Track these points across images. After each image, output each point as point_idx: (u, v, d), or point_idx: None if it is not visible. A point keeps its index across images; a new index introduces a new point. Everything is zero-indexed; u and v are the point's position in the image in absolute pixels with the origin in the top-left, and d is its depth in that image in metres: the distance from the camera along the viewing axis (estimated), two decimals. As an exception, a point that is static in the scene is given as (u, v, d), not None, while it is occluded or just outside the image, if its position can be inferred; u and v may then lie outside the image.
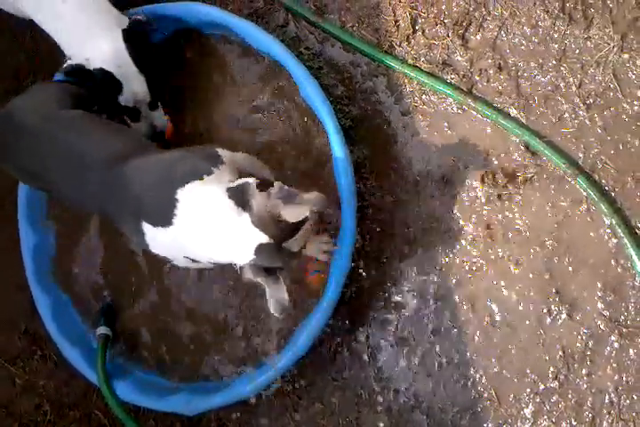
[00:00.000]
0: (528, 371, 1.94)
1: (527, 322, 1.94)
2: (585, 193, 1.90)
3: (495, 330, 1.98)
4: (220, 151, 1.89)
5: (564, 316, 1.91)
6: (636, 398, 1.80)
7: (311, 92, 2.12)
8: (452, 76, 2.11)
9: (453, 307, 2.03)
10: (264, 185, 1.74)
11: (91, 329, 2.45)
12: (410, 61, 2.17)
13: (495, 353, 1.98)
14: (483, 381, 1.98)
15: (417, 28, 2.17)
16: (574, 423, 1.84)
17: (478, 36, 2.10)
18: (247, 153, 2.05)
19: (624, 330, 1.83)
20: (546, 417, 1.87)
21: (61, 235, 2.54)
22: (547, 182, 1.97)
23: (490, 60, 2.07)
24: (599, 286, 1.88)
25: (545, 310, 1.93)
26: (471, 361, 1.99)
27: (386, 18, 2.20)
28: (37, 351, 2.63)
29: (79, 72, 1.99)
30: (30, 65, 2.66)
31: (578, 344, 1.88)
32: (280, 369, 2.06)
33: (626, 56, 1.90)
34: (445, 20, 2.13)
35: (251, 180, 1.76)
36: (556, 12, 2.00)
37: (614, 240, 1.87)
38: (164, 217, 1.78)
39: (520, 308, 1.95)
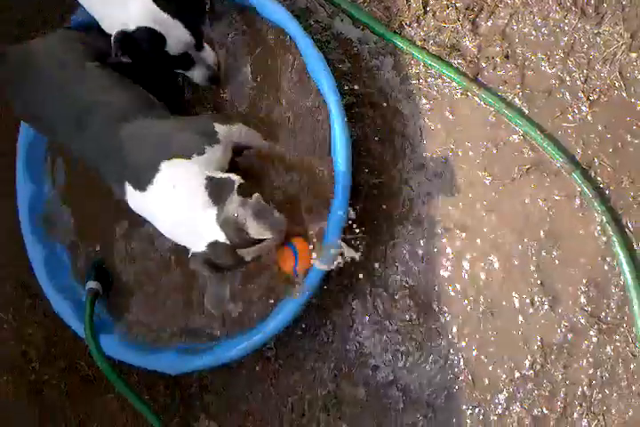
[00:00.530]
0: (506, 358, 1.99)
1: (509, 310, 1.98)
2: (579, 189, 1.92)
3: (477, 315, 2.02)
4: (217, 127, 1.92)
5: (545, 307, 1.95)
6: (607, 392, 1.85)
7: (316, 66, 2.10)
8: (459, 61, 2.11)
9: (438, 289, 2.06)
10: (247, 188, 1.77)
11: (81, 283, 2.46)
12: (418, 43, 2.17)
13: (475, 338, 2.02)
14: (460, 363, 2.03)
15: (428, 9, 2.16)
16: (546, 412, 1.90)
17: (489, 23, 2.09)
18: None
19: (603, 326, 1.88)
20: (518, 404, 1.93)
21: (58, 188, 2.53)
22: (543, 175, 1.99)
23: (498, 48, 2.07)
24: (584, 281, 1.91)
25: (528, 300, 1.97)
26: (451, 343, 2.04)
27: (398, -4, 2.18)
28: (27, 300, 2.65)
29: (126, 37, 2.03)
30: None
31: (557, 336, 1.93)
32: (265, 336, 2.09)
33: (634, 55, 1.90)
34: (457, 4, 2.12)
35: (234, 177, 1.77)
36: (569, 4, 2.00)
37: (603, 238, 1.90)
38: (142, 182, 1.85)
39: (504, 296, 1.99)
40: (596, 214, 1.91)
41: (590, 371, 1.88)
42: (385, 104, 2.21)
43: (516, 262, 2.00)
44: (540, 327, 1.95)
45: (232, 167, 1.96)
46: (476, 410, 1.97)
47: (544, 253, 1.97)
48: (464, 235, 2.06)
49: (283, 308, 2.10)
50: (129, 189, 1.91)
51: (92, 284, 2.40)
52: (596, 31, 1.96)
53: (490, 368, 1.99)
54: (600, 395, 1.87)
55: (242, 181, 1.81)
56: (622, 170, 1.91)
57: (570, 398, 1.89)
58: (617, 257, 1.85)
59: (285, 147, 2.15)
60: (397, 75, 2.20)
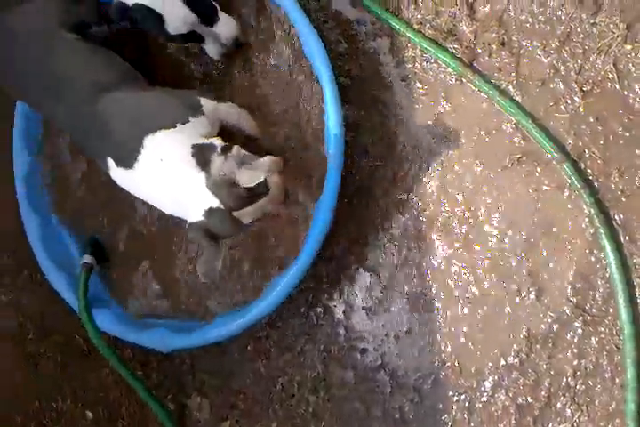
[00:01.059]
0: (492, 346, 2.02)
1: (497, 299, 2.00)
2: (569, 180, 1.93)
3: (465, 302, 2.04)
4: (203, 101, 1.90)
5: (532, 297, 1.98)
6: (591, 384, 1.88)
7: (312, 45, 2.09)
8: (456, 46, 2.10)
9: (427, 275, 2.09)
10: (229, 148, 1.74)
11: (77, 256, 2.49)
12: (415, 26, 2.15)
13: (462, 325, 2.05)
14: (447, 350, 2.07)
15: (426, -10, 2.12)
16: (530, 401, 1.94)
17: (486, 8, 2.08)
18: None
19: (588, 318, 1.90)
20: (503, 391, 1.97)
21: (55, 164, 2.55)
22: (533, 165, 1.99)
23: (494, 35, 2.05)
24: (571, 272, 1.93)
25: (515, 289, 2.00)
26: (439, 329, 2.07)
27: (397, -25, 2.15)
28: (24, 271, 2.68)
29: (124, 9, 2.01)
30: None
31: (542, 326, 1.95)
32: (255, 316, 2.13)
33: (628, 47, 1.89)
34: (456, -13, 2.08)
35: (217, 141, 1.77)
36: (567, -8, 1.97)
37: (591, 230, 1.91)
38: (127, 159, 1.83)
39: (492, 284, 2.01)
40: (584, 206, 1.92)
41: (575, 362, 1.91)
42: (380, 87, 2.18)
43: (505, 252, 2.01)
44: (526, 317, 1.97)
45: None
46: (462, 397, 2.01)
47: (532, 243, 1.98)
48: (453, 222, 2.06)
49: (273, 288, 2.12)
50: (111, 164, 1.89)
51: (86, 258, 2.43)
52: (592, 21, 1.94)
53: (476, 356, 2.02)
54: (584, 386, 1.90)
55: (224, 143, 1.80)
56: (612, 163, 1.91)
57: (554, 388, 1.93)
58: (604, 249, 1.86)
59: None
60: (393, 58, 2.19)
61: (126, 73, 2.07)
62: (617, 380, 1.89)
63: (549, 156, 1.98)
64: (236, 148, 1.74)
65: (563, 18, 1.99)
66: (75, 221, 2.59)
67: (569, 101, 1.98)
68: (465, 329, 2.05)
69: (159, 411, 2.34)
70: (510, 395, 1.98)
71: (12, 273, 2.81)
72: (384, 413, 2.12)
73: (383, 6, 2.19)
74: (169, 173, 1.81)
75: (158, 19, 2.02)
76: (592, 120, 1.95)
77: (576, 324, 1.93)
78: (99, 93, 1.93)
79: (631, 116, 1.90)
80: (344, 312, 2.22)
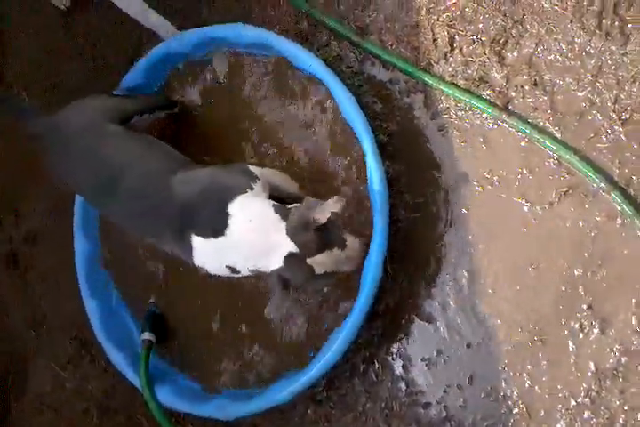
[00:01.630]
0: (559, 387, 1.91)
1: (558, 337, 1.92)
2: (619, 208, 1.88)
3: (527, 345, 1.96)
4: (252, 168, 2.02)
5: (596, 331, 1.89)
6: (668, 416, 1.75)
7: (349, 107, 2.16)
8: (489, 92, 2.13)
9: (486, 320, 2.02)
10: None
11: (137, 334, 2.51)
12: (447, 78, 2.20)
13: (526, 368, 1.96)
14: (513, 395, 1.97)
15: (455, 45, 2.20)
16: (607, 441, 1.80)
17: (515, 53, 2.12)
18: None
19: (658, 347, 1.79)
20: (577, 434, 1.84)
21: (110, 243, 2.62)
22: (581, 197, 1.96)
23: (526, 77, 2.08)
24: (633, 301, 1.85)
25: (577, 325, 1.91)
26: (502, 375, 1.98)
27: (425, 36, 2.24)
28: (87, 356, 2.71)
29: None
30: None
31: (610, 360, 1.85)
32: (312, 377, 2.08)
33: (662, 72, 1.89)
34: (482, 38, 2.15)
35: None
36: (593, 28, 2.01)
37: (648, 256, 1.84)
38: (215, 229, 1.90)
39: (552, 323, 1.93)
40: (639, 232, 1.85)
41: (648, 395, 1.79)
42: (418, 140, 2.21)
43: (562, 288, 1.95)
44: (591, 352, 1.88)
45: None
46: (535, 444, 1.88)
47: (589, 276, 1.91)
48: (506, 263, 2.01)
49: (329, 347, 2.08)
50: (196, 242, 1.93)
51: (146, 335, 2.44)
52: (622, 52, 1.97)
53: (544, 399, 1.92)
54: (661, 419, 1.77)
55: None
56: (661, 186, 1.86)
57: (630, 425, 1.80)
58: (664, 274, 1.78)
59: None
60: (428, 110, 2.23)
61: (178, 156, 2.18)
62: (696, 409, 1.75)
63: (596, 186, 1.94)
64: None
65: (592, 52, 2.02)
66: (134, 299, 2.62)
67: (609, 131, 1.97)
68: (529, 372, 1.94)
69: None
70: (585, 437, 1.85)
71: (76, 360, 2.84)
72: (455, 467, 2.00)
73: (414, 65, 2.25)
74: (258, 230, 1.90)
75: None
76: (636, 146, 1.93)
77: (645, 354, 1.82)
78: (167, 177, 2.02)
79: (673, 139, 1.86)
80: (403, 366, 2.15)
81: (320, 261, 1.88)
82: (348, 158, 2.25)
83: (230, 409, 2.27)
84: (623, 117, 1.95)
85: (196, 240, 1.94)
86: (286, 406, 2.26)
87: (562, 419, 1.89)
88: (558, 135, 2.03)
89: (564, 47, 2.06)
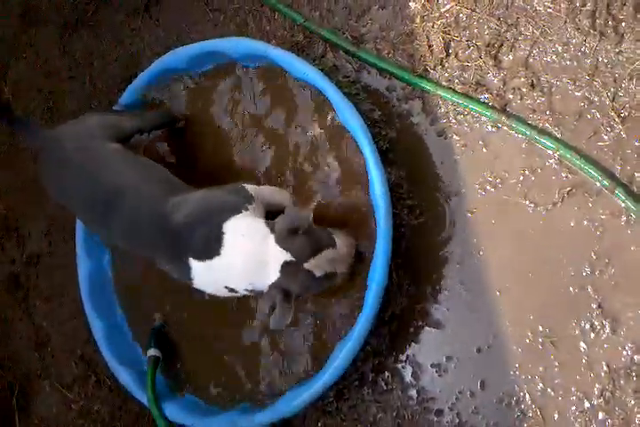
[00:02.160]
0: (573, 389, 1.89)
1: (569, 338, 1.90)
2: (624, 205, 1.87)
3: (537, 347, 1.94)
4: (248, 187, 2.03)
5: (607, 330, 1.87)
6: (684, 413, 1.72)
7: (348, 116, 2.16)
8: (486, 96, 2.13)
9: (495, 323, 2.00)
10: None
11: (142, 351, 2.49)
12: (444, 83, 2.21)
13: (538, 371, 1.94)
14: (526, 399, 1.94)
15: (450, 51, 2.21)
16: (623, 442, 1.77)
17: (511, 56, 2.13)
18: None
19: (670, 344, 1.77)
20: (593, 436, 1.81)
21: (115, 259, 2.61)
22: (584, 196, 1.96)
23: (523, 79, 2.09)
24: (644, 297, 1.83)
25: (587, 325, 1.89)
26: (514, 379, 1.96)
27: (420, 43, 2.25)
28: (92, 377, 2.69)
29: None
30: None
31: (622, 359, 1.83)
32: (320, 388, 2.05)
33: (659, 68, 1.89)
34: (478, 43, 2.16)
35: None
36: (587, 28, 2.02)
37: (656, 251, 1.83)
38: (211, 250, 1.89)
39: (562, 323, 1.91)
40: (644, 228, 1.84)
41: (663, 393, 1.76)
42: (418, 145, 2.21)
43: (570, 288, 1.93)
44: (603, 352, 1.86)
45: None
46: (550, 449, 1.85)
47: (598, 275, 1.90)
48: (513, 265, 2.00)
49: (337, 357, 2.06)
50: (194, 264, 1.93)
51: (152, 351, 2.42)
52: (617, 50, 1.97)
53: (558, 402, 1.89)
54: (676, 417, 1.74)
55: None
56: (664, 181, 1.85)
57: (646, 424, 1.76)
58: (673, 269, 1.77)
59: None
60: (427, 116, 2.23)
61: (174, 179, 2.17)
62: None
63: (599, 184, 1.94)
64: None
65: (587, 52, 2.02)
66: (136, 314, 2.60)
67: (609, 129, 1.97)
68: (541, 375, 1.92)
69: None
70: (601, 438, 1.82)
71: (81, 381, 2.82)
72: (470, 475, 1.97)
73: (411, 72, 2.25)
74: (250, 247, 1.90)
75: None
76: (636, 143, 1.93)
77: (658, 352, 1.79)
78: (163, 201, 2.01)
79: (674, 133, 1.86)
80: (413, 373, 2.13)
81: (316, 264, 1.89)
82: (349, 166, 2.22)
83: (239, 423, 2.23)
84: (622, 115, 1.95)
85: (194, 263, 1.93)
86: (296, 418, 2.21)
87: (576, 421, 1.86)
88: (558, 135, 2.02)
89: (559, 48, 2.06)
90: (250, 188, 2.07)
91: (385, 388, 2.15)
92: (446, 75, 2.22)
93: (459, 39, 2.19)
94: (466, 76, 2.18)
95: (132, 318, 2.62)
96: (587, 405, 1.87)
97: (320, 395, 2.11)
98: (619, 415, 1.82)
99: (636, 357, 1.83)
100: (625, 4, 1.98)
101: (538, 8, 2.09)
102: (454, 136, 2.17)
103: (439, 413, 2.06)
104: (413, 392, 2.11)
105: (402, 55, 2.31)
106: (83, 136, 2.17)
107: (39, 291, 2.92)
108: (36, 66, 3.05)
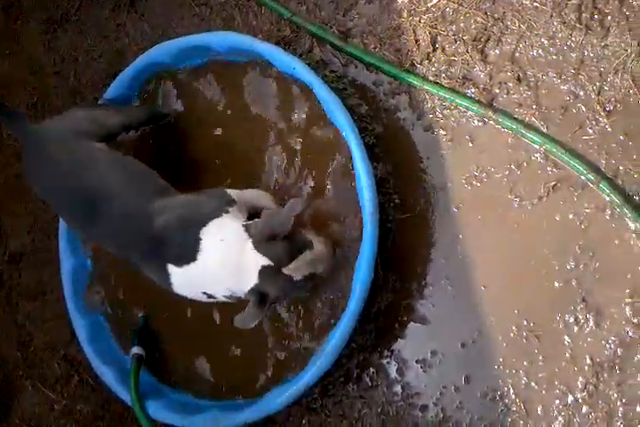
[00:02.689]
0: (556, 382, 1.88)
1: (553, 331, 1.89)
2: (608, 198, 1.87)
3: (522, 341, 1.93)
4: (230, 191, 2.01)
5: (591, 324, 1.86)
6: (668, 406, 1.72)
7: (335, 110, 2.15)
8: (473, 90, 2.13)
9: (479, 318, 1.99)
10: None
11: (125, 350, 2.46)
12: (431, 78, 2.20)
13: (522, 365, 1.93)
14: (510, 393, 1.93)
15: (437, 45, 2.20)
16: (606, 435, 1.76)
17: (497, 51, 2.12)
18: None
19: (653, 336, 1.77)
20: (576, 430, 1.80)
21: (98, 258, 2.58)
22: (570, 190, 1.95)
23: (509, 73, 2.08)
24: (627, 291, 1.83)
25: (571, 319, 1.89)
26: (498, 373, 1.95)
27: (406, 38, 2.25)
28: (75, 376, 2.66)
29: None
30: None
31: (606, 353, 1.82)
32: (304, 385, 2.03)
33: (644, 61, 1.89)
34: (464, 37, 2.15)
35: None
36: (573, 22, 2.02)
37: (640, 245, 1.82)
38: (187, 256, 1.87)
39: (546, 317, 1.91)
40: (629, 222, 1.85)
41: (646, 385, 1.75)
42: (405, 140, 2.20)
43: (555, 282, 1.93)
44: (587, 346, 1.85)
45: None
46: (533, 442, 1.84)
47: (582, 269, 1.89)
48: (498, 260, 1.99)
49: (322, 354, 2.04)
50: (172, 270, 1.91)
51: (135, 349, 2.39)
52: (603, 44, 1.97)
53: (541, 395, 1.88)
54: (660, 410, 1.73)
55: None
56: (649, 175, 1.85)
57: (629, 417, 1.77)
58: (657, 262, 1.76)
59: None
60: (414, 111, 2.22)
61: (159, 181, 2.14)
62: (696, 398, 1.71)
63: (584, 178, 1.93)
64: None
65: (573, 46, 2.02)
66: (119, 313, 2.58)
67: (594, 123, 1.96)
68: (525, 368, 1.91)
69: None
70: (584, 432, 1.81)
71: (64, 380, 2.79)
72: (454, 469, 1.95)
73: (398, 66, 2.25)
74: (228, 251, 1.88)
75: None
76: (621, 137, 1.93)
77: (641, 344, 1.79)
78: (146, 205, 1.99)
79: (659, 127, 1.86)
80: (398, 369, 2.11)
81: (295, 267, 1.87)
82: (336, 160, 2.20)
83: (223, 421, 2.20)
84: (607, 109, 1.95)
85: (172, 269, 1.91)
86: (280, 415, 2.19)
87: (560, 415, 1.85)
88: (544, 130, 2.02)
89: (545, 42, 2.06)
90: (232, 192, 2.05)
91: (370, 384, 2.13)
92: (433, 69, 2.21)
93: (445, 33, 2.19)
94: (452, 70, 2.18)
95: (116, 316, 2.58)
96: (570, 398, 1.86)
97: (304, 392, 2.08)
98: (602, 408, 1.82)
99: (619, 350, 1.82)
100: (611, -2, 1.98)
101: (524, 2, 2.09)
102: (441, 131, 2.16)
103: (424, 408, 2.05)
104: (398, 388, 2.09)
105: (389, 50, 2.30)
106: (68, 134, 2.13)
107: (22, 289, 2.88)
108: (21, 61, 3.01)
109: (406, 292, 2.13)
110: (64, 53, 2.91)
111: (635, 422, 1.77)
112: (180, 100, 2.51)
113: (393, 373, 2.11)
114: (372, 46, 2.32)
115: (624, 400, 1.80)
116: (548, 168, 2.00)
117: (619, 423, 1.79)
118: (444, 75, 2.20)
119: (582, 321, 1.89)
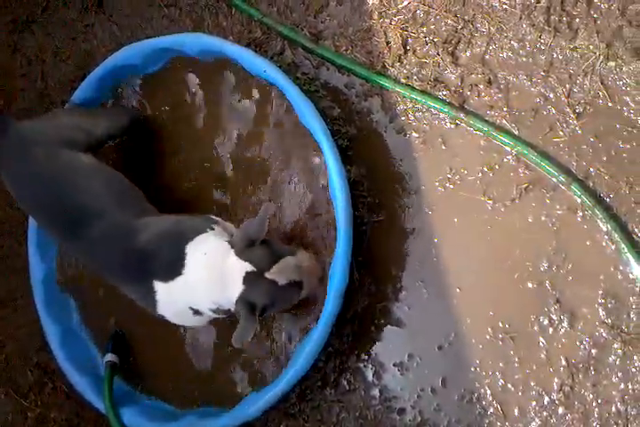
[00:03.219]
0: (532, 384, 1.89)
1: (528, 333, 1.91)
2: (580, 200, 1.88)
3: (497, 343, 1.94)
4: (213, 216, 2.05)
5: (565, 325, 1.88)
6: (643, 406, 1.74)
7: (306, 113, 2.14)
8: (444, 93, 2.13)
9: (455, 320, 2.00)
10: None
11: (99, 357, 2.43)
12: (402, 80, 2.20)
13: (498, 367, 1.94)
14: (487, 395, 1.94)
15: (408, 48, 2.20)
16: (583, 436, 1.78)
17: (468, 53, 2.12)
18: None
19: (627, 337, 1.79)
20: (553, 431, 1.82)
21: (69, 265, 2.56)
22: (542, 192, 1.96)
23: (480, 75, 2.09)
24: (600, 292, 1.85)
25: (546, 321, 1.90)
26: (474, 376, 1.96)
27: (378, 40, 2.24)
28: (48, 384, 2.62)
29: None
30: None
31: (581, 354, 1.84)
32: (281, 391, 2.03)
33: (612, 64, 1.91)
34: (435, 39, 2.15)
35: None
36: (542, 25, 2.03)
37: (612, 246, 1.85)
38: (173, 270, 1.87)
39: (521, 319, 1.92)
40: (600, 224, 1.86)
41: (621, 386, 1.79)
42: (378, 143, 2.20)
43: (529, 283, 1.94)
44: (562, 347, 1.87)
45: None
46: (511, 444, 1.86)
47: (555, 270, 1.91)
48: (472, 262, 2.00)
49: (298, 359, 2.04)
50: (158, 285, 1.90)
51: (109, 357, 2.37)
52: (572, 46, 1.98)
53: (518, 397, 1.89)
54: (635, 410, 1.76)
55: None
56: (619, 176, 1.88)
57: (605, 418, 1.79)
58: (628, 264, 1.79)
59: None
60: (386, 114, 2.22)
61: (141, 201, 2.13)
62: (670, 398, 1.74)
63: (556, 180, 1.95)
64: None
65: (543, 48, 2.03)
66: (94, 321, 2.54)
67: (564, 125, 1.98)
68: (501, 370, 1.92)
69: None
70: (560, 433, 1.83)
71: (37, 388, 2.75)
72: (431, 473, 1.96)
73: (369, 68, 2.24)
74: (212, 262, 1.89)
75: None
76: (591, 139, 1.94)
77: (615, 345, 1.82)
78: (135, 219, 1.98)
79: (629, 128, 1.89)
80: (375, 373, 2.11)
81: (278, 270, 1.87)
82: (308, 164, 2.19)
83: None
84: (577, 111, 1.96)
85: (158, 285, 1.91)
86: (258, 421, 2.18)
87: (537, 416, 1.87)
88: (515, 132, 2.02)
89: (515, 44, 2.07)
90: (214, 218, 2.08)
91: (347, 388, 2.13)
92: (404, 71, 2.21)
93: (416, 36, 2.18)
94: (424, 72, 2.18)
95: (89, 322, 2.55)
96: (547, 400, 1.88)
97: (281, 398, 2.07)
98: (578, 409, 1.83)
99: (593, 351, 1.84)
100: (579, 1, 2.00)
101: (493, 4, 2.09)
102: (413, 133, 2.16)
103: (401, 411, 2.05)
104: (376, 391, 2.10)
105: (360, 52, 2.29)
106: (52, 142, 2.07)
107: (-8, 296, 2.83)
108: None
109: (382, 295, 2.13)
110: (31, 55, 2.85)
111: (610, 422, 1.79)
112: (148, 102, 2.47)
113: (370, 376, 2.11)
114: (344, 48, 2.31)
115: (599, 401, 1.82)
116: (520, 170, 2.01)
117: (595, 424, 1.81)
118: (415, 77, 2.19)
119: (557, 322, 1.90)
